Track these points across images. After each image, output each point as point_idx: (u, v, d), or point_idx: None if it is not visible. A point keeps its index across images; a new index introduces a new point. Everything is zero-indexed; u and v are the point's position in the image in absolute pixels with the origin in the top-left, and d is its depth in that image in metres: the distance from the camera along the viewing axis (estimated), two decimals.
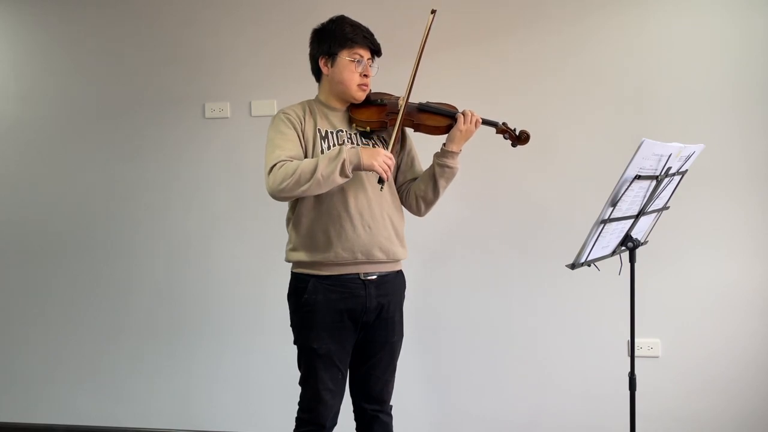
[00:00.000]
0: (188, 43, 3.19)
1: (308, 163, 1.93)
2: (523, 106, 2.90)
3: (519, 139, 2.14)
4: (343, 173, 1.92)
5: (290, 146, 2.01)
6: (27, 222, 3.37)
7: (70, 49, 3.30)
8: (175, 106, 3.21)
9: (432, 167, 2.14)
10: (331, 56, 2.07)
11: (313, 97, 2.18)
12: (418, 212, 2.22)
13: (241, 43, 3.15)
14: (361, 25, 2.10)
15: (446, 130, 2.11)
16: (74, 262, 3.32)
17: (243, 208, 3.16)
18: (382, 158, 1.94)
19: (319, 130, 2.08)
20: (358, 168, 1.94)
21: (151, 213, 3.25)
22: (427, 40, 2.02)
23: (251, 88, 3.14)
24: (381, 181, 1.97)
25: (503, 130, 2.15)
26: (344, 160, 1.91)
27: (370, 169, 1.94)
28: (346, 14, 2.13)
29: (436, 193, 2.15)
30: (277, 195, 1.96)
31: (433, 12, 2.00)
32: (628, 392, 2.18)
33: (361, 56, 2.06)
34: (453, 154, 2.10)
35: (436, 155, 2.13)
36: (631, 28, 2.86)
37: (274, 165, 1.95)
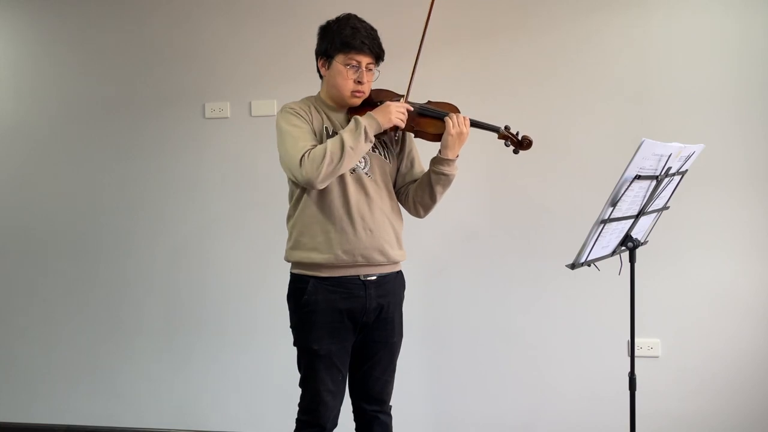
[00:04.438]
0: (188, 43, 3.19)
1: (333, 142, 1.92)
2: (523, 107, 2.90)
3: (521, 144, 2.07)
4: (368, 139, 1.95)
5: (309, 136, 2.00)
6: (25, 221, 3.37)
7: (69, 49, 3.30)
8: (175, 107, 3.21)
9: (428, 173, 2.11)
10: (328, 58, 2.04)
11: (315, 94, 2.15)
12: (417, 215, 2.20)
13: (241, 43, 3.15)
14: (364, 28, 2.02)
15: (441, 137, 2.06)
16: (74, 262, 3.32)
17: (243, 208, 3.16)
18: (395, 112, 1.97)
19: (326, 128, 2.06)
20: (379, 130, 1.96)
21: (151, 213, 3.25)
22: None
23: (251, 88, 3.14)
24: (396, 128, 2.01)
25: (505, 135, 2.07)
26: (365, 127, 1.93)
27: (389, 125, 1.97)
28: (346, 12, 2.07)
29: (433, 199, 2.13)
30: (315, 182, 1.92)
31: None
32: (628, 392, 2.18)
33: (358, 62, 2.00)
34: (450, 161, 2.06)
35: (432, 162, 2.09)
36: (632, 29, 2.86)
37: (303, 156, 1.92)
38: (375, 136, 2.03)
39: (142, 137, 3.25)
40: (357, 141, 1.92)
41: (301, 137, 1.98)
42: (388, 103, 2.00)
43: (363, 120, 1.94)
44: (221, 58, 3.16)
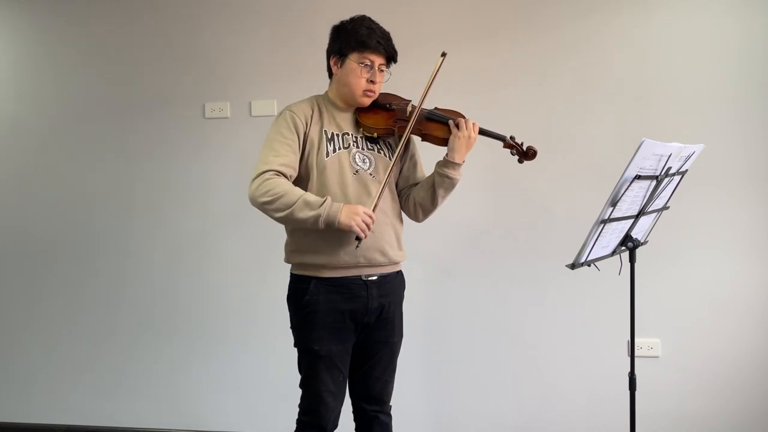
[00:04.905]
0: (189, 43, 3.19)
1: (292, 194, 1.91)
2: (523, 107, 2.90)
3: (526, 155, 2.15)
4: (314, 225, 1.91)
5: (286, 152, 1.99)
6: (23, 221, 3.37)
7: (69, 49, 3.30)
8: (175, 106, 3.21)
9: (432, 176, 2.11)
10: (342, 57, 2.04)
11: (323, 93, 2.15)
12: (416, 218, 2.20)
13: (241, 43, 3.15)
14: (379, 29, 2.04)
15: (448, 141, 2.09)
16: (73, 262, 3.32)
17: (242, 208, 3.11)
18: (360, 217, 1.91)
19: (325, 131, 2.05)
20: (331, 225, 1.91)
21: (150, 213, 3.25)
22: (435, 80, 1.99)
23: (251, 88, 3.14)
24: (358, 238, 1.94)
25: (510, 144, 2.15)
26: (321, 214, 1.90)
27: (347, 229, 1.91)
28: (351, 14, 2.08)
29: (434, 203, 2.13)
30: (253, 203, 1.96)
31: (443, 55, 1.99)
32: (628, 392, 2.18)
33: (372, 62, 2.02)
34: (456, 165, 2.07)
35: (438, 164, 2.10)
36: (632, 29, 2.86)
37: (265, 172, 1.94)
38: (377, 140, 2.09)
39: (142, 137, 3.24)
40: (304, 218, 1.90)
41: (280, 152, 1.98)
42: (359, 208, 1.93)
43: (326, 208, 1.90)
44: (221, 58, 3.16)
